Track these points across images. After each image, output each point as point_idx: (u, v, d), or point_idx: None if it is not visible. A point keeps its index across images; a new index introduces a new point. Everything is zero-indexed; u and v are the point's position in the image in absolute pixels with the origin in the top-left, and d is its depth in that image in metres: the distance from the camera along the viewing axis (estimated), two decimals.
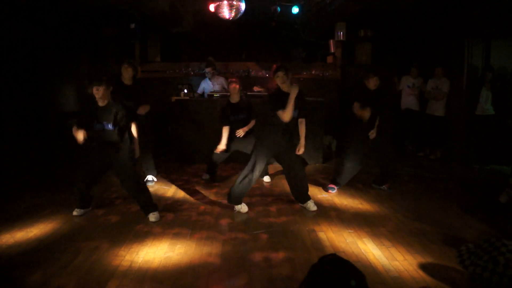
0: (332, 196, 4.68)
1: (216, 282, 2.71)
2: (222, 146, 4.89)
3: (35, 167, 5.97)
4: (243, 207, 4.10)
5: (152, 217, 3.84)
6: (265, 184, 5.19)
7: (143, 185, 4.07)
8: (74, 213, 3.96)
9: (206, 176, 5.41)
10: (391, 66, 7.66)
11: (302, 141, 4.10)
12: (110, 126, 3.73)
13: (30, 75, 6.42)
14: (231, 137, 4.97)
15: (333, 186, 4.83)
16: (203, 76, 7.02)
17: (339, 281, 1.13)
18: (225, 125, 4.92)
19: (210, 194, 4.73)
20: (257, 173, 4.00)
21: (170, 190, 4.91)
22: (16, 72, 6.11)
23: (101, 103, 3.75)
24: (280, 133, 3.97)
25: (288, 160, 4.11)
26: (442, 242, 3.32)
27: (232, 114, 4.96)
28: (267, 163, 4.25)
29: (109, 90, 3.78)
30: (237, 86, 4.97)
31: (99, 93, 3.69)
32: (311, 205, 4.18)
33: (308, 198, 4.22)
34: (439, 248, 3.21)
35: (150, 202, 3.92)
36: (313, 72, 7.86)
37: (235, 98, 5.02)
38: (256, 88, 6.98)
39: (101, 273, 2.77)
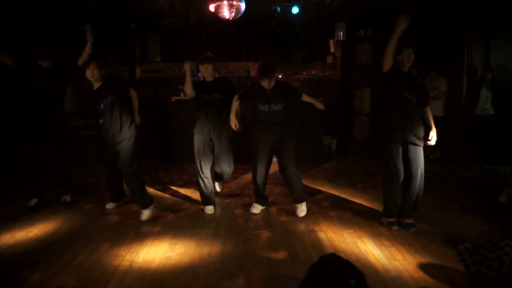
0: (332, 196, 4.68)
1: (216, 282, 2.71)
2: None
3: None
4: (254, 208, 4.10)
5: (143, 215, 3.86)
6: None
7: (137, 176, 3.90)
8: (107, 206, 4.15)
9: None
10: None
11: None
12: (108, 100, 3.78)
13: None
14: (206, 124, 4.17)
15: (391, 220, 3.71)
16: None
17: (339, 280, 1.13)
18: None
19: None
20: (257, 168, 4.00)
21: (170, 190, 4.91)
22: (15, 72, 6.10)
23: (96, 85, 3.85)
24: (268, 129, 3.93)
25: (279, 156, 4.01)
26: (442, 242, 3.32)
27: (204, 92, 4.17)
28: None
29: (102, 70, 3.85)
30: (210, 66, 4.12)
31: (94, 75, 3.79)
32: (300, 210, 3.98)
33: (298, 200, 4.00)
34: (439, 248, 3.21)
35: (141, 196, 3.90)
36: (313, 72, 7.85)
37: (208, 78, 4.24)
38: None
39: (101, 273, 2.77)
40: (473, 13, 5.93)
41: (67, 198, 4.34)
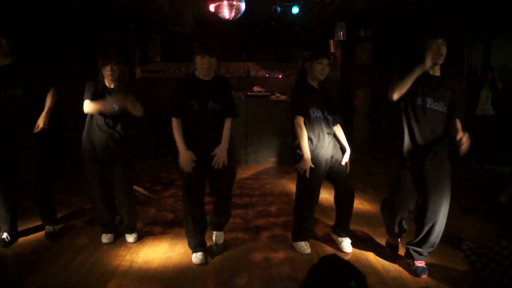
0: (332, 196, 4.67)
1: (216, 282, 2.70)
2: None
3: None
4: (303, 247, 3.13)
5: (131, 238, 3.34)
6: None
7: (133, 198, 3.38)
8: (103, 240, 3.28)
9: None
10: (391, 66, 7.67)
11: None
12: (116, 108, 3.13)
13: None
14: (198, 145, 2.96)
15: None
16: None
17: (339, 281, 1.13)
18: (174, 116, 3.14)
19: None
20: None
21: (170, 190, 4.91)
22: None
23: (110, 85, 3.19)
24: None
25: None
26: (442, 242, 3.30)
27: (194, 98, 2.93)
28: None
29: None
30: (213, 60, 2.89)
31: (114, 73, 3.13)
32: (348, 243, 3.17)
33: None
34: (439, 248, 3.19)
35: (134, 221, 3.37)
36: None
37: (205, 75, 2.95)
38: (256, 88, 6.99)
39: (101, 273, 2.77)
40: (473, 13, 5.93)
41: (50, 228, 3.40)
